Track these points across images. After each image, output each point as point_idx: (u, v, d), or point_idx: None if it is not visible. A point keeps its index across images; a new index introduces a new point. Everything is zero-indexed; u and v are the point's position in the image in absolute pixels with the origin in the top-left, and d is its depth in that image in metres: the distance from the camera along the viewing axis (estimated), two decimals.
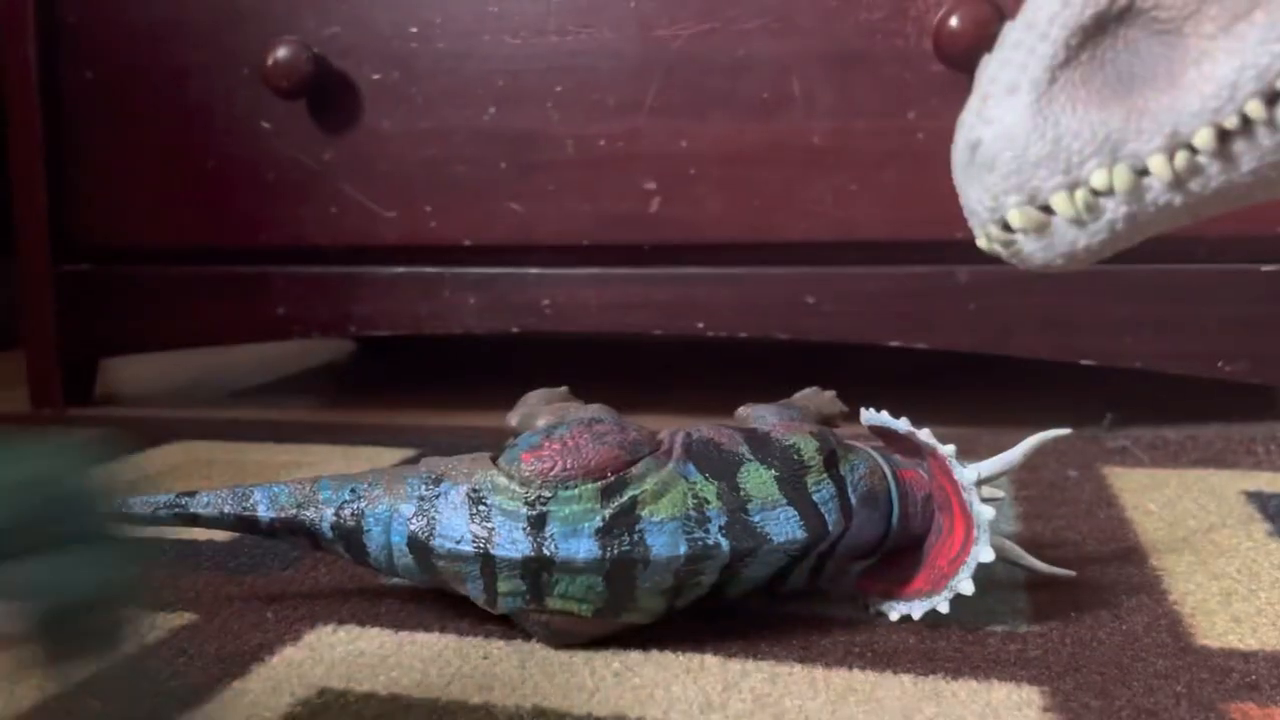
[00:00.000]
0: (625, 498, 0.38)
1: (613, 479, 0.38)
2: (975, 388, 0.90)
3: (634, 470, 0.38)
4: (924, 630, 0.40)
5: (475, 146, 0.77)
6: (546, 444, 0.39)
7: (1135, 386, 0.86)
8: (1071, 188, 0.27)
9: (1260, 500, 0.55)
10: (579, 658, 0.38)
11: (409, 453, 0.68)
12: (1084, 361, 0.71)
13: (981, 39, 0.66)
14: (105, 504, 0.25)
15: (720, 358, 1.05)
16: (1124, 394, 0.84)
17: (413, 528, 0.39)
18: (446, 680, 0.37)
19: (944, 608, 0.39)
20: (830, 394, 0.49)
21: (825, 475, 0.40)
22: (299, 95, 0.77)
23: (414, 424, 0.79)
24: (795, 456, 0.40)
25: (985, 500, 0.45)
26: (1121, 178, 0.27)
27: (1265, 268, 0.69)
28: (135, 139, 0.83)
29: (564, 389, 0.47)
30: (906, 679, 0.36)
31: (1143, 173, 0.27)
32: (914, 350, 0.74)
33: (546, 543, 0.37)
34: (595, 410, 0.43)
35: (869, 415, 0.42)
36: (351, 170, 0.79)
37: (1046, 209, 0.28)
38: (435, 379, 1.01)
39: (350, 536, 0.40)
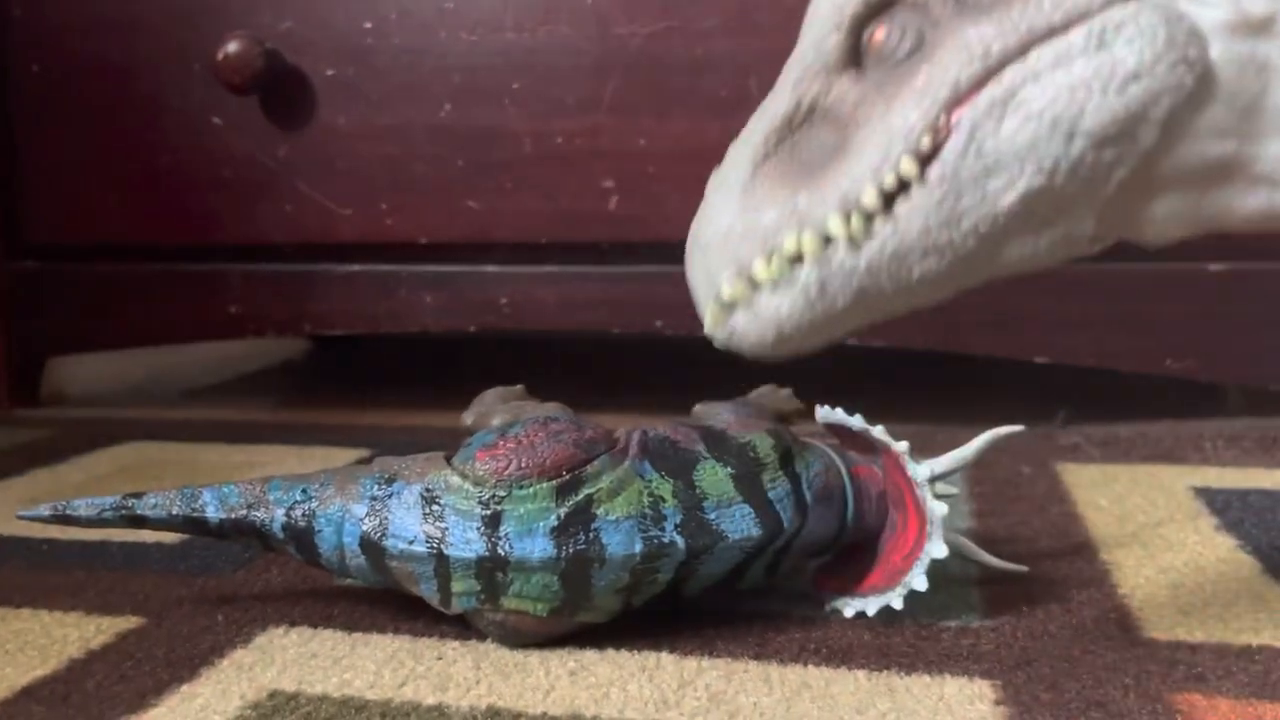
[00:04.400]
0: (581, 496, 0.37)
1: (568, 477, 0.38)
2: (929, 385, 0.90)
3: (590, 469, 0.38)
4: (878, 626, 0.40)
5: (432, 144, 0.76)
6: (501, 443, 0.38)
7: (1087, 383, 0.87)
8: (769, 254, 0.30)
9: (1208, 495, 0.56)
10: (534, 657, 0.38)
11: (364, 452, 0.67)
12: (1036, 359, 0.72)
13: None
14: None
15: (677, 356, 1.05)
16: (1076, 391, 0.85)
17: (365, 528, 0.39)
18: (400, 681, 0.36)
19: (898, 604, 0.40)
20: (786, 391, 0.49)
21: (781, 472, 0.40)
22: (251, 91, 0.76)
23: (369, 423, 0.78)
24: (751, 454, 0.40)
25: (939, 496, 0.46)
26: (808, 241, 0.30)
27: (1213, 266, 0.70)
28: (84, 134, 0.81)
29: (520, 387, 0.47)
30: (861, 675, 0.36)
31: (827, 239, 0.30)
32: (869, 348, 0.74)
33: (501, 542, 0.37)
34: (551, 409, 0.43)
35: (824, 412, 0.42)
36: (307, 167, 0.78)
37: (754, 283, 0.31)
38: (391, 378, 1.01)
39: (302, 537, 0.40)
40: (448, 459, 0.39)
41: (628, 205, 0.75)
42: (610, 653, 0.38)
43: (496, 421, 0.43)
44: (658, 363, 1.03)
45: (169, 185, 0.81)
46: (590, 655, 0.38)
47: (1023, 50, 0.29)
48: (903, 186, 0.30)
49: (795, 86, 0.31)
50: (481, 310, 0.78)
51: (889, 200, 0.30)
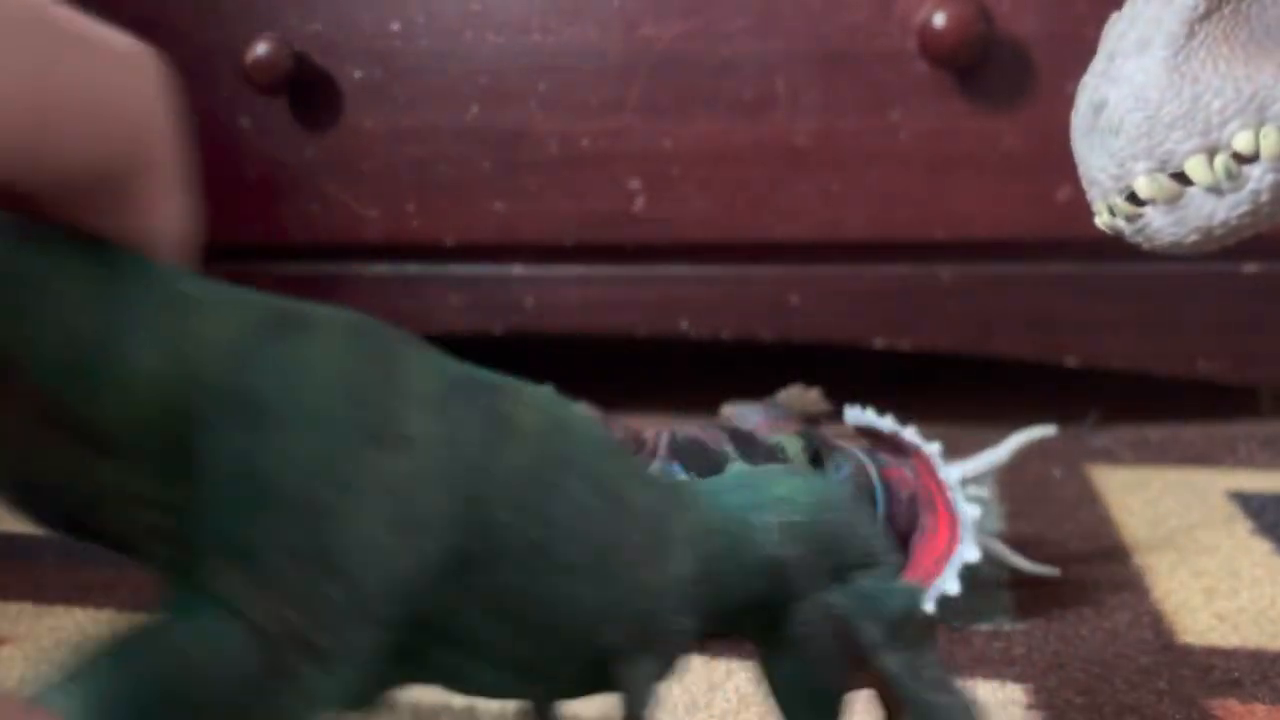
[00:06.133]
0: None
1: None
2: (960, 387, 0.90)
3: None
4: None
5: (458, 145, 0.77)
6: None
7: (1119, 386, 0.87)
8: (1210, 151, 0.24)
9: (1242, 499, 0.55)
10: None
11: None
12: (1066, 361, 0.72)
13: (965, 38, 0.67)
14: (868, 530, 0.24)
15: (704, 357, 1.05)
16: (1107, 393, 0.84)
17: None
18: None
19: (929, 606, 0.39)
20: (815, 392, 0.49)
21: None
22: (279, 93, 0.76)
23: None
24: (780, 455, 0.40)
25: (970, 499, 0.46)
26: (1270, 141, 0.24)
27: (1247, 267, 0.69)
28: None
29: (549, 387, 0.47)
30: None
31: None
32: (898, 350, 0.74)
33: None
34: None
35: (854, 414, 0.42)
36: (333, 168, 0.79)
37: (1180, 177, 0.24)
38: None
39: None
40: None
41: (653, 206, 0.74)
42: None
43: None
44: (683, 364, 1.03)
45: (197, 185, 0.81)
46: None
47: None
48: None
49: None
50: (507, 311, 0.78)
51: None
